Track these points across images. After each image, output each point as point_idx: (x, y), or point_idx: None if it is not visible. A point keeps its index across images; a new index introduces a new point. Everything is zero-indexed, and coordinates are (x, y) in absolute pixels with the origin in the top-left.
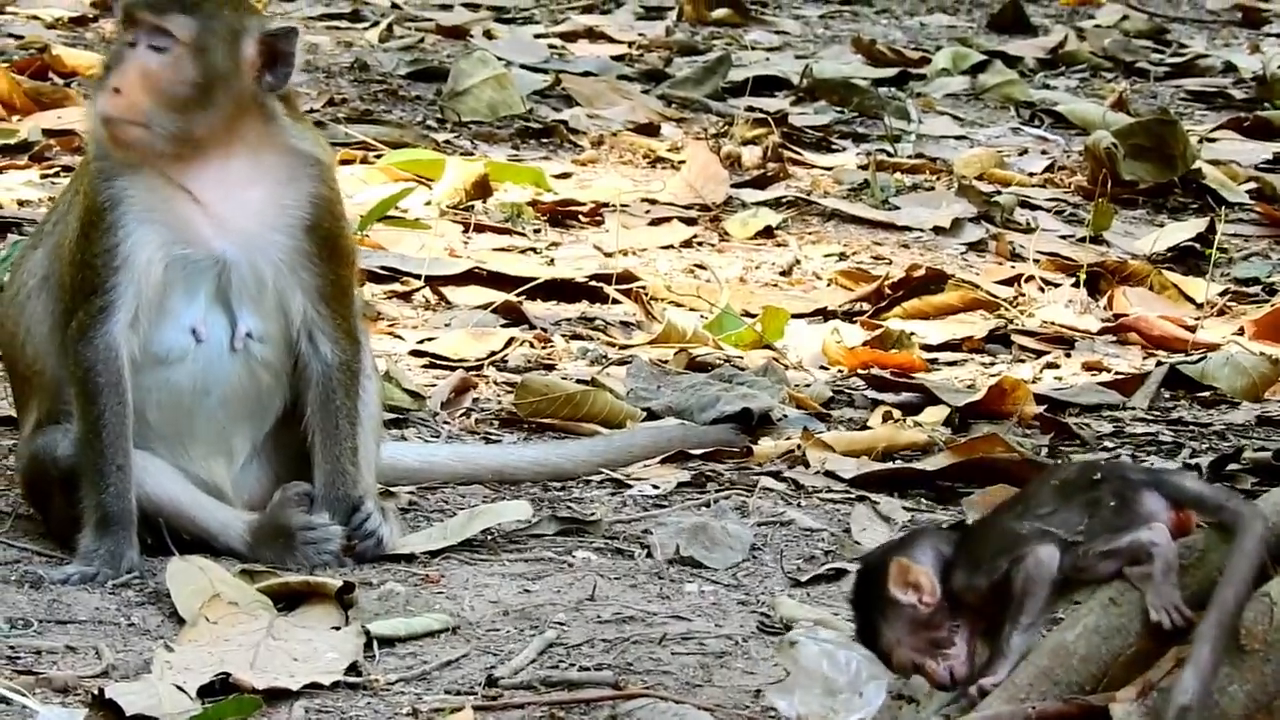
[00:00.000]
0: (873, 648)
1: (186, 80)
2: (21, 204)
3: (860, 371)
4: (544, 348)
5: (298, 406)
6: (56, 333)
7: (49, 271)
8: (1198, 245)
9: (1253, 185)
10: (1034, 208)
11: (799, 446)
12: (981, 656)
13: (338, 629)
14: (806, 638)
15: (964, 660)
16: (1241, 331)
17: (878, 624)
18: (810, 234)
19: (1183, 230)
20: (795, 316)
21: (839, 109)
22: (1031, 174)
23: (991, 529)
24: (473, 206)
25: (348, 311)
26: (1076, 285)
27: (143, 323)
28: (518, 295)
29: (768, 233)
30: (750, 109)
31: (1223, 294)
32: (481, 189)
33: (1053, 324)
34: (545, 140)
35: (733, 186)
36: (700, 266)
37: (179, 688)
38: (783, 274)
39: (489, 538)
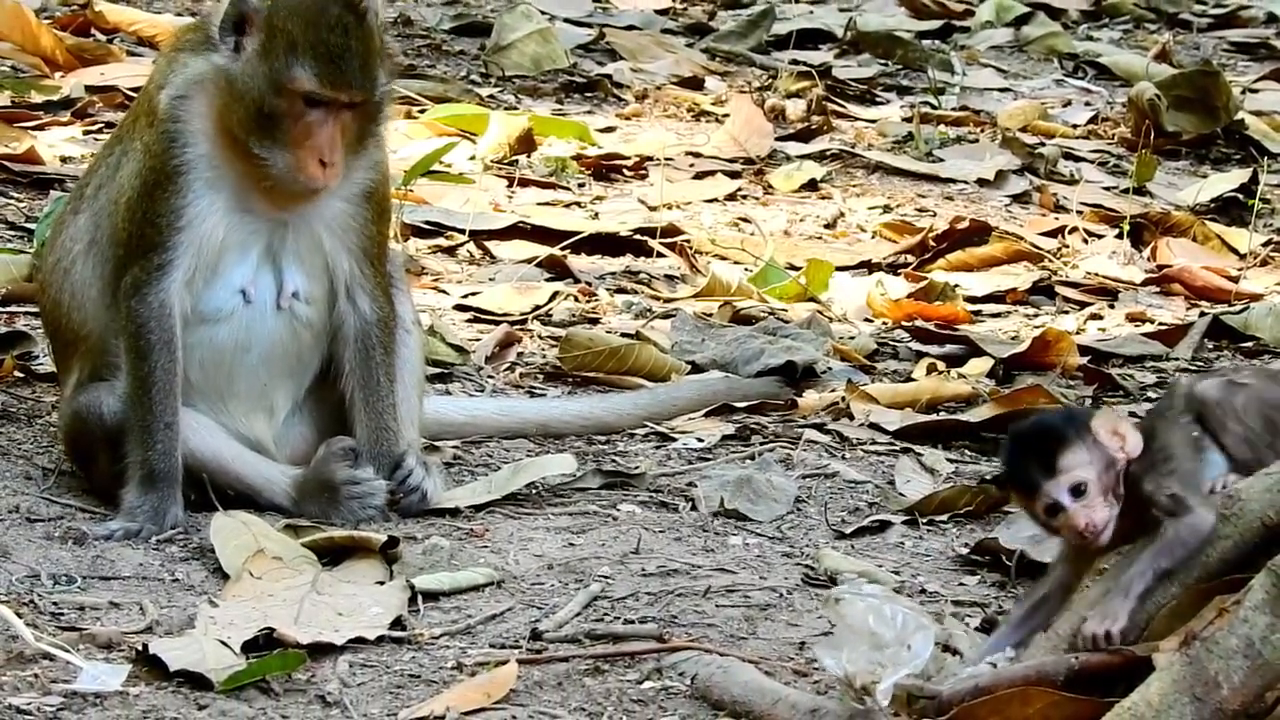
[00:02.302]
0: (1027, 482)
1: (371, 127)
2: (64, 160)
3: (904, 324)
4: (588, 301)
5: (335, 362)
6: (106, 294)
7: (95, 235)
8: (1240, 196)
9: None
10: (1077, 159)
11: (843, 399)
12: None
13: (382, 583)
14: (851, 593)
15: (1104, 525)
16: None
17: (1054, 457)
18: (854, 187)
19: (1225, 181)
20: (839, 269)
21: (883, 62)
22: (1075, 126)
23: (1176, 437)
24: (517, 161)
25: (384, 268)
26: (1120, 236)
27: (197, 282)
28: (562, 249)
29: (812, 186)
30: (794, 62)
31: (1265, 244)
32: (525, 143)
33: (1096, 275)
34: (589, 94)
35: (776, 140)
36: (744, 220)
37: (223, 643)
38: (827, 227)
39: (533, 491)
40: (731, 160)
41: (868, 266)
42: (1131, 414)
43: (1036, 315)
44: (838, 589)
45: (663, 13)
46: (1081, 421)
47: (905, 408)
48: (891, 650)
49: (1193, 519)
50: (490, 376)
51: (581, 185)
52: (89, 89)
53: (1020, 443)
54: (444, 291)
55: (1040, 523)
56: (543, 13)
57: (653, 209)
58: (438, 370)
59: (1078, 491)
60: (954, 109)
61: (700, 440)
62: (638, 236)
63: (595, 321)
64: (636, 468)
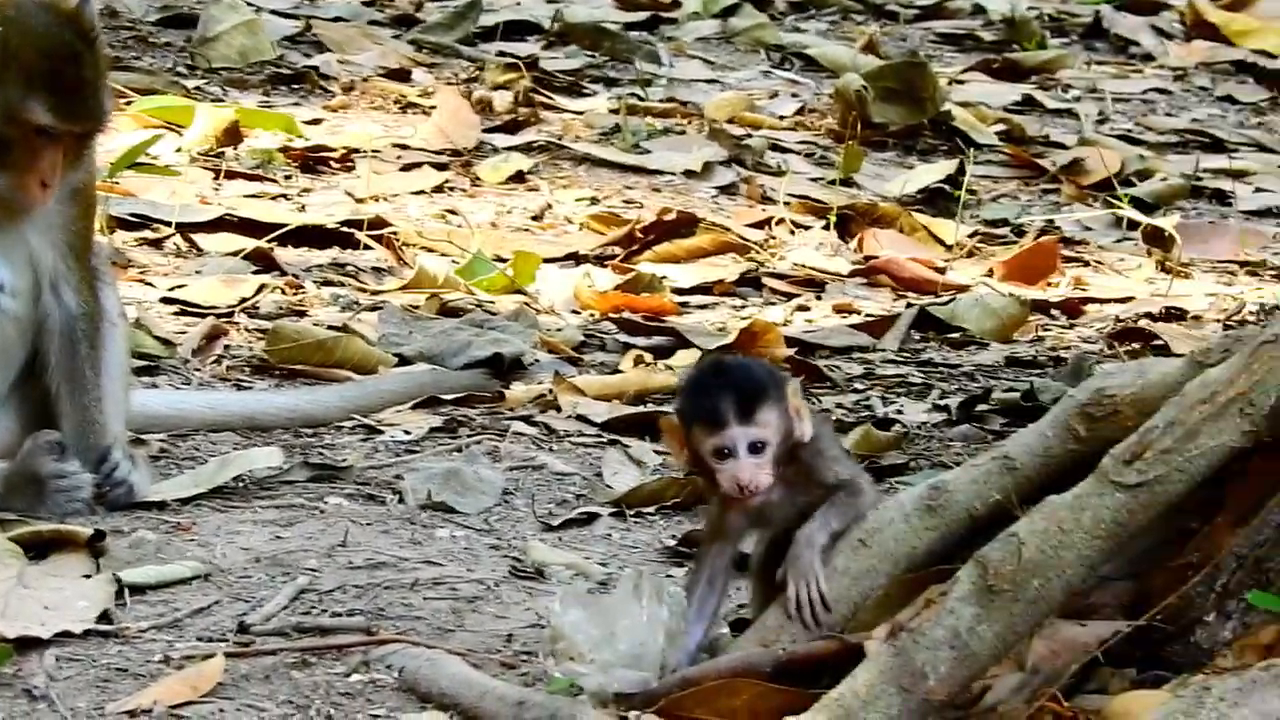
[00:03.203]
0: (715, 417)
1: (91, 144)
2: None
3: (612, 315)
4: (295, 294)
5: (40, 357)
6: None
7: None
8: (947, 187)
9: (1001, 127)
10: (784, 151)
11: (550, 391)
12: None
13: (89, 577)
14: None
15: (763, 490)
16: (991, 273)
17: (752, 406)
18: (562, 178)
19: (932, 172)
20: (547, 261)
21: (590, 53)
22: (782, 117)
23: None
24: (223, 153)
25: (89, 261)
26: (827, 228)
27: None
28: (269, 242)
29: (519, 177)
30: (501, 54)
31: (972, 235)
32: (232, 136)
33: (803, 266)
34: (296, 86)
35: (484, 132)
36: (452, 212)
37: None
38: (534, 219)
39: (240, 485)
40: (439, 152)
41: (575, 258)
42: (838, 405)
43: (744, 307)
44: (638, 572)
45: (369, 4)
46: (782, 383)
47: (612, 400)
48: (610, 658)
49: (864, 496)
50: (197, 370)
51: (288, 178)
52: None
53: (720, 378)
54: (150, 284)
55: (697, 460)
56: (249, 4)
57: (360, 201)
58: (144, 364)
59: (755, 448)
60: (661, 101)
61: (407, 433)
62: (345, 229)
63: (302, 314)
64: (344, 460)
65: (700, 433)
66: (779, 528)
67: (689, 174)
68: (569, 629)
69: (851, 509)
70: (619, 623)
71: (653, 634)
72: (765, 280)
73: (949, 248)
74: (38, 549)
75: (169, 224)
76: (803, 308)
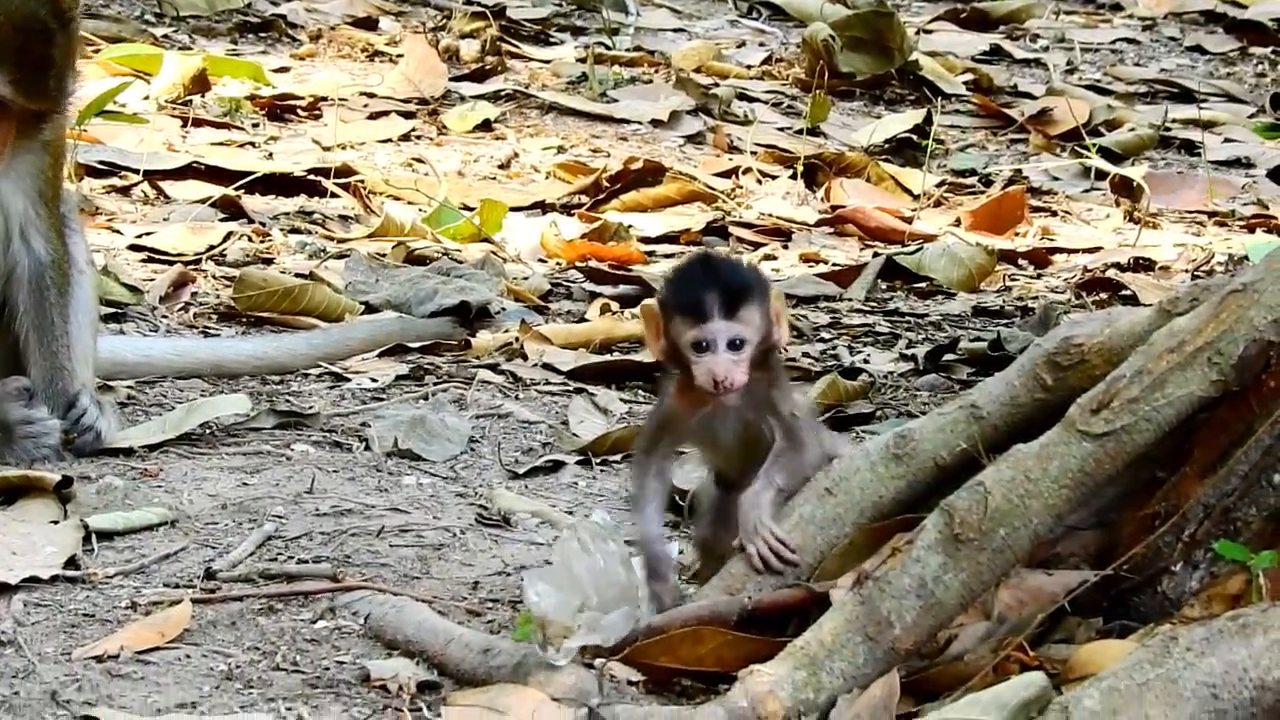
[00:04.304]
0: (698, 309)
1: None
2: None
3: (578, 264)
4: (262, 242)
5: (8, 304)
6: None
7: None
8: (914, 137)
9: (969, 76)
10: (752, 100)
11: (517, 339)
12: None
13: (56, 523)
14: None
15: (736, 388)
16: (958, 222)
17: (737, 302)
18: (528, 127)
19: (900, 122)
20: (513, 210)
21: (557, 2)
22: (749, 66)
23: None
24: (191, 101)
25: (58, 209)
26: (794, 177)
27: None
28: (236, 189)
29: (486, 126)
30: (469, 2)
31: (939, 185)
32: (200, 84)
33: (770, 216)
34: (263, 35)
35: (451, 80)
36: (418, 160)
37: None
38: (501, 167)
39: (207, 431)
40: (406, 101)
41: (542, 207)
42: (805, 354)
43: None
44: (571, 523)
45: None
46: (766, 286)
47: (579, 348)
48: (591, 614)
49: (807, 451)
50: (164, 317)
51: (256, 126)
52: None
53: (707, 272)
54: (118, 232)
55: (673, 352)
56: None
57: (327, 149)
58: (112, 310)
59: (735, 345)
60: (628, 50)
61: (374, 380)
62: (312, 177)
63: (269, 262)
64: (310, 408)
65: (682, 324)
66: (722, 451)
67: (656, 123)
68: (551, 612)
69: (796, 464)
70: (587, 580)
71: (618, 570)
72: (732, 229)
73: (916, 197)
74: (5, 495)
75: (137, 171)
76: (769, 257)
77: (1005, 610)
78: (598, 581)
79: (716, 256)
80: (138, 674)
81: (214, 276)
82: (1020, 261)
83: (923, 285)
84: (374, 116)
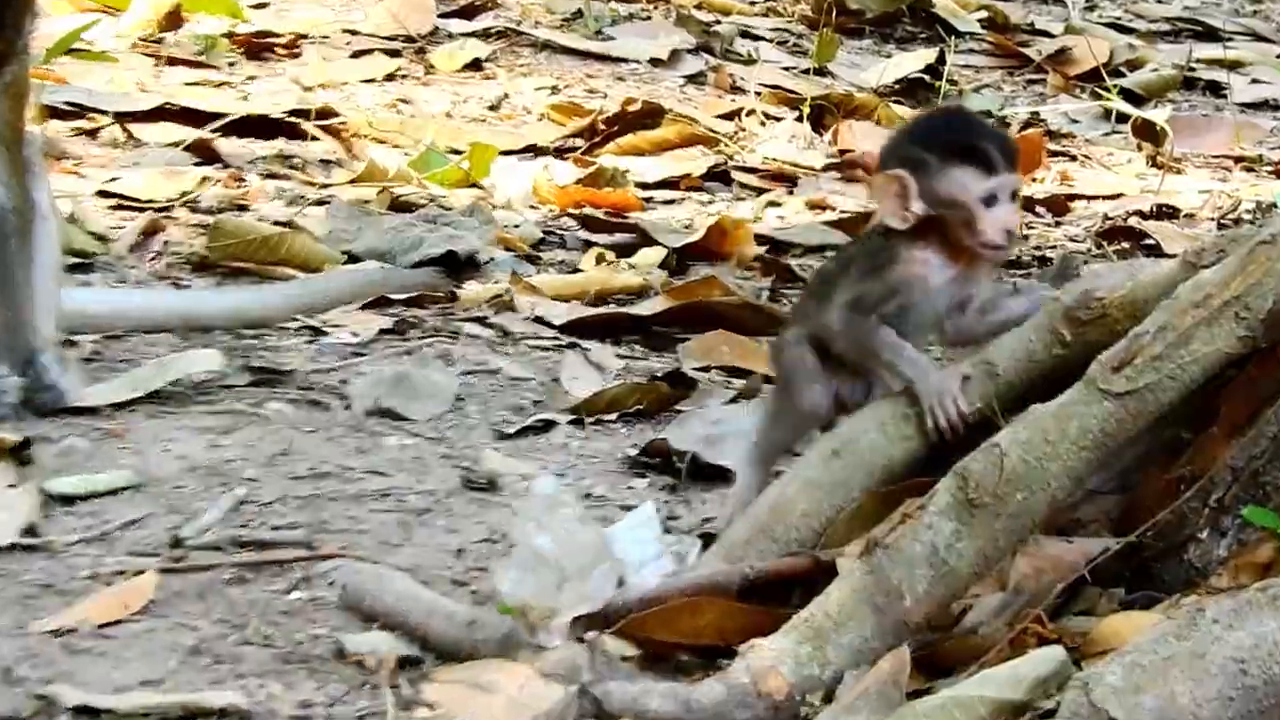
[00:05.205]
0: (987, 158)
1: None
2: None
3: (572, 211)
4: (238, 187)
5: None
6: None
7: None
8: (927, 77)
9: (984, 14)
10: (755, 38)
11: (507, 291)
12: None
13: (14, 487)
14: (533, 510)
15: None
16: None
17: (1016, 154)
18: (520, 67)
19: (911, 61)
20: (504, 153)
21: None
22: (753, 2)
23: None
24: (164, 39)
25: (20, 153)
26: (800, 120)
27: None
28: (211, 132)
29: (475, 65)
30: None
31: None
32: (173, 20)
33: (775, 160)
34: None
35: (439, 17)
36: (404, 101)
37: None
38: (491, 109)
39: (177, 389)
40: (391, 38)
41: (534, 151)
42: None
43: (711, 203)
44: (518, 504)
45: None
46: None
47: (572, 300)
48: (572, 583)
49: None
50: (133, 267)
51: (232, 65)
52: None
53: (974, 123)
54: (84, 177)
55: (939, 207)
56: None
57: (307, 90)
58: (77, 260)
59: (1015, 196)
60: None
61: (355, 335)
62: (291, 119)
63: (245, 209)
64: (287, 364)
65: (967, 176)
66: (928, 326)
67: (655, 62)
68: (531, 597)
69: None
70: (555, 553)
71: (581, 531)
72: (734, 175)
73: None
74: None
75: (106, 113)
76: (774, 204)
77: (1022, 580)
78: (565, 550)
79: (967, 110)
80: (99, 649)
81: (187, 224)
82: (1037, 209)
83: None
84: (357, 55)
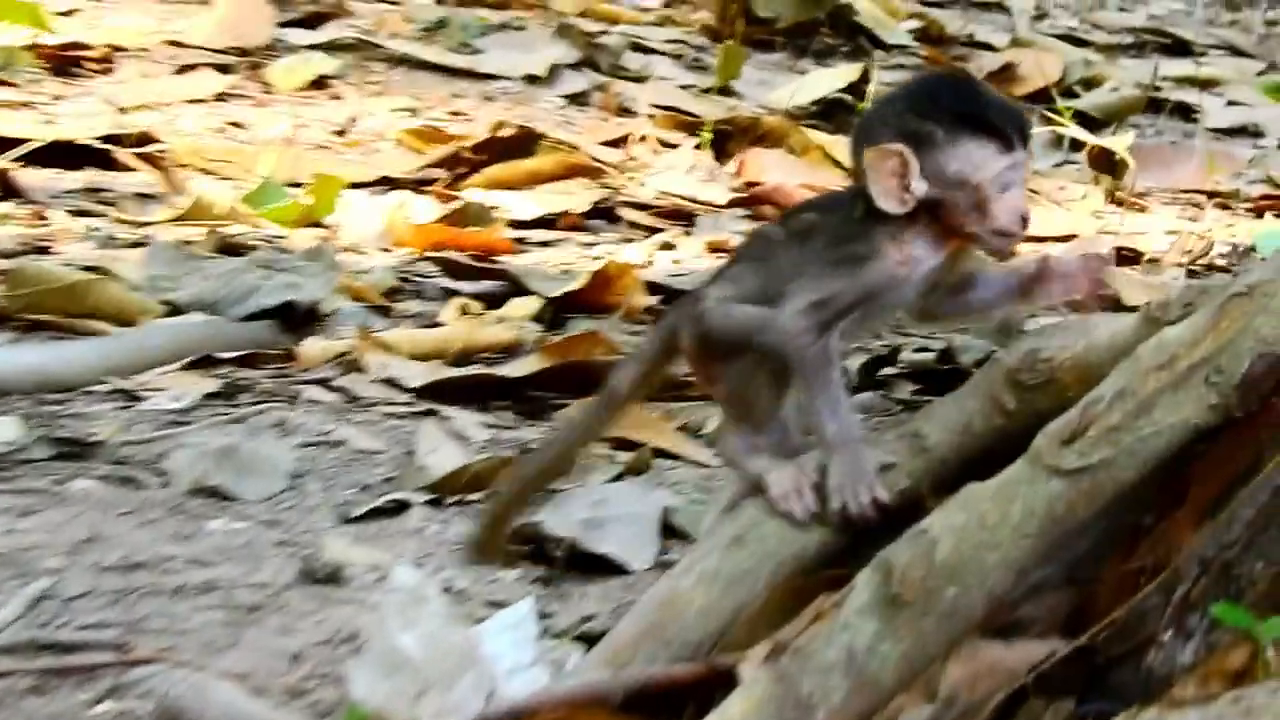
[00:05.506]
0: (1002, 130)
1: None
2: None
3: (432, 254)
4: (40, 226)
5: None
6: None
7: None
8: (848, 97)
9: (916, 23)
10: (648, 52)
11: (354, 348)
12: None
13: None
14: (394, 605)
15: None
16: None
17: (1030, 129)
18: (372, 84)
19: (830, 79)
20: (352, 186)
21: None
22: (645, 10)
23: None
24: None
25: None
26: (699, 147)
27: None
28: (10, 161)
29: (320, 83)
30: None
31: None
32: None
33: (669, 194)
34: None
35: (278, 26)
36: (236, 125)
37: None
38: (337, 134)
39: None
40: (222, 51)
41: (387, 183)
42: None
43: (595, 244)
44: (378, 598)
45: None
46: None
47: (431, 359)
48: (434, 692)
49: None
50: None
51: (35, 82)
52: None
53: (984, 92)
54: None
55: (966, 182)
56: None
57: (123, 111)
58: None
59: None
60: None
61: (175, 400)
62: (103, 146)
63: (48, 251)
64: (95, 434)
65: (983, 154)
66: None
67: (530, 79)
68: (385, 705)
69: None
70: (418, 655)
71: (449, 632)
72: (622, 211)
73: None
74: None
75: None
76: (668, 245)
77: (955, 689)
78: (429, 653)
79: (968, 75)
80: None
81: None
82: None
83: None
84: (181, 71)
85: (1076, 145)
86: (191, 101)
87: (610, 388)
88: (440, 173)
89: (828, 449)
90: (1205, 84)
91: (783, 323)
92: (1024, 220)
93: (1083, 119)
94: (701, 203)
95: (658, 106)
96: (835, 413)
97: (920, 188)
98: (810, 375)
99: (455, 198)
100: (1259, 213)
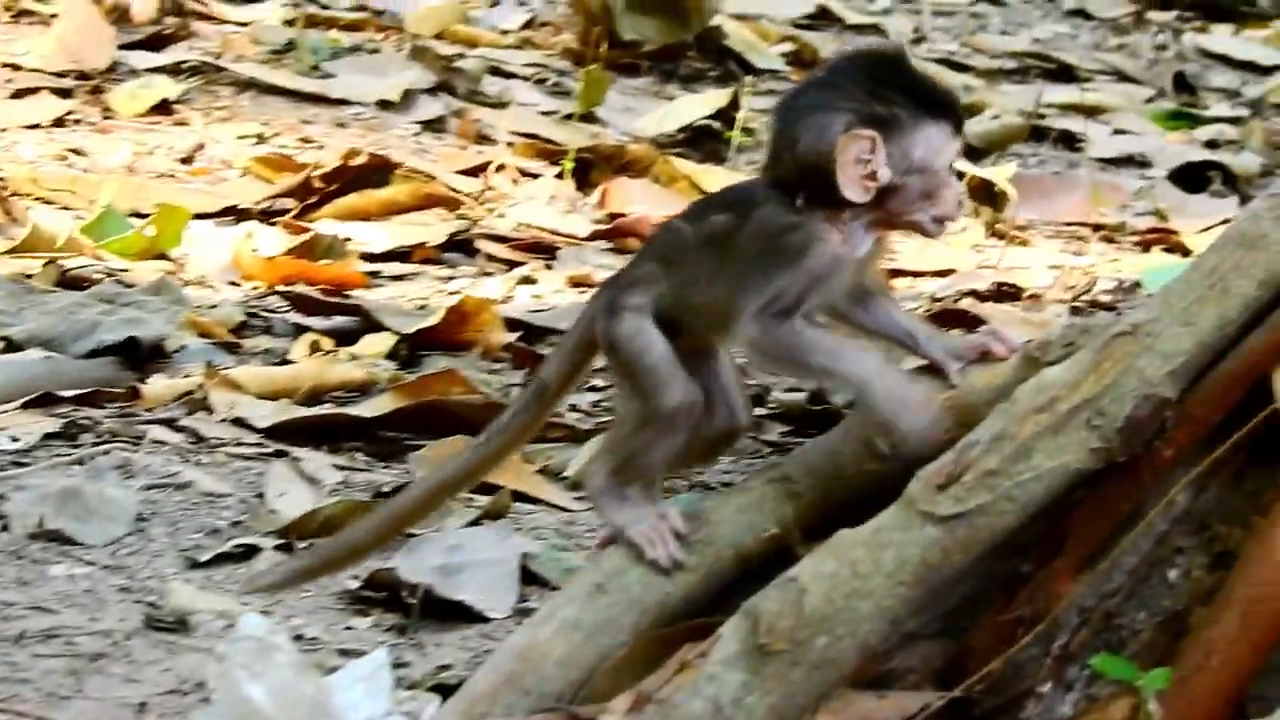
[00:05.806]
0: (955, 114)
1: None
2: None
3: (281, 288)
4: None
5: None
6: None
7: None
8: (716, 124)
9: (788, 47)
10: (508, 76)
11: (200, 386)
12: None
13: None
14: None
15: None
16: None
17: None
18: (219, 110)
19: (697, 105)
20: (198, 217)
21: None
22: (505, 32)
23: None
24: None
25: None
26: (561, 177)
27: None
28: None
29: (164, 108)
30: None
31: None
32: None
33: (530, 226)
34: None
35: (120, 48)
36: (76, 152)
37: None
38: (183, 162)
39: None
40: (61, 75)
41: (235, 214)
42: (573, 408)
43: (451, 279)
44: (223, 647)
45: None
46: None
47: (280, 398)
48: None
49: None
50: None
51: None
52: None
53: (918, 71)
54: None
55: (927, 168)
56: None
57: None
58: None
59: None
60: (350, 9)
61: (14, 440)
62: None
63: None
64: None
65: (941, 137)
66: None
67: (383, 105)
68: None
69: None
70: (267, 706)
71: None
72: (480, 244)
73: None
74: None
75: None
76: (528, 280)
77: None
78: (280, 704)
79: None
80: None
81: None
82: None
83: None
84: (18, 95)
85: (956, 175)
86: (29, 127)
87: (539, 380)
88: (290, 203)
89: (859, 389)
90: (1091, 111)
91: (746, 335)
92: (960, 205)
93: (964, 148)
94: (563, 235)
95: (517, 134)
96: (839, 356)
97: (885, 174)
98: (794, 353)
99: (306, 229)
100: (1145, 247)
